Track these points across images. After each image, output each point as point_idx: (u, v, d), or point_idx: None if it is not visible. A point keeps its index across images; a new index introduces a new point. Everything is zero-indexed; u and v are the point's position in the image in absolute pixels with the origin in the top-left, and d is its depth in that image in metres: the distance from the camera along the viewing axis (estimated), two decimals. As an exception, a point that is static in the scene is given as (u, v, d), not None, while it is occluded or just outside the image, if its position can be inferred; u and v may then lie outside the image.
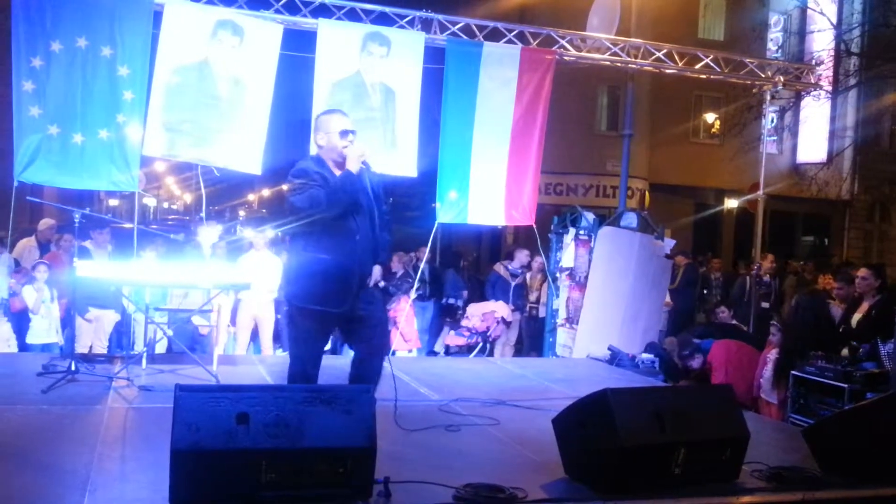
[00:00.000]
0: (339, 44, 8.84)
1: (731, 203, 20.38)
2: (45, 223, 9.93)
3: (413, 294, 10.01)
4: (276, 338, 9.41)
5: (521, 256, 11.24)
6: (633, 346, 8.85)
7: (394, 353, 9.47)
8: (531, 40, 9.79)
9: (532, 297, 11.21)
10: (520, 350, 11.18)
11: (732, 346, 8.23)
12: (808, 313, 8.06)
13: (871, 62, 17.35)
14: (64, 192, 13.83)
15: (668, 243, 10.08)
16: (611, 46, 10.06)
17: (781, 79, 10.98)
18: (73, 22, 7.92)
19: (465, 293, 11.81)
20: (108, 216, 14.70)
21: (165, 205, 56.22)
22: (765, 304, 11.45)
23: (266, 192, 51.59)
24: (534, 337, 11.12)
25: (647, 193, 19.57)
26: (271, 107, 8.68)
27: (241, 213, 47.65)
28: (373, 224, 4.76)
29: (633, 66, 10.40)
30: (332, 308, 4.58)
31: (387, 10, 9.15)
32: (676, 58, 10.35)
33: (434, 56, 9.34)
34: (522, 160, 9.60)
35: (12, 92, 7.81)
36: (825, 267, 13.73)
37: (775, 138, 20.57)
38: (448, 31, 9.33)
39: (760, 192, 11.53)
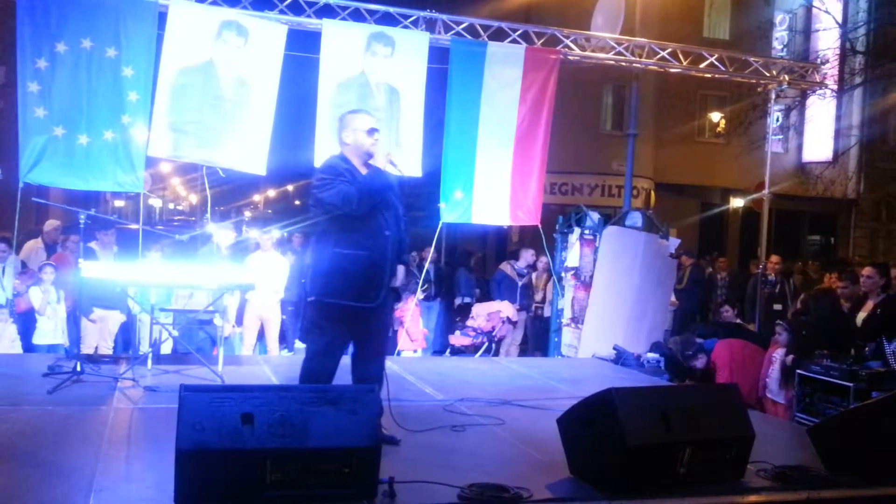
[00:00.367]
0: (343, 44, 8.85)
1: (737, 202, 20.34)
2: (51, 224, 9.95)
3: (419, 294, 10.01)
4: (282, 338, 9.42)
5: (527, 255, 11.24)
6: (639, 346, 8.83)
7: (399, 353, 9.48)
8: (535, 40, 9.78)
9: (537, 297, 11.20)
10: (525, 350, 11.17)
11: (736, 346, 8.22)
12: (825, 311, 8.00)
13: (876, 60, 17.31)
14: (69, 193, 13.90)
15: (674, 243, 10.07)
16: (615, 46, 10.05)
17: (786, 77, 10.96)
18: (78, 23, 7.94)
19: (478, 292, 11.82)
20: (113, 217, 14.73)
21: (171, 206, 56.31)
22: (777, 307, 11.38)
23: (272, 193, 51.71)
24: (539, 337, 11.12)
25: (652, 193, 19.54)
26: (276, 108, 8.69)
27: (247, 213, 47.72)
28: (398, 222, 4.78)
29: (638, 65, 10.40)
30: (365, 304, 4.58)
31: (391, 10, 9.15)
32: (681, 57, 10.33)
33: (438, 56, 9.34)
34: (527, 160, 9.60)
35: (17, 93, 7.84)
36: (831, 266, 13.66)
37: (781, 137, 20.51)
38: (452, 31, 9.34)
39: (766, 191, 11.51)
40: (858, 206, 22.08)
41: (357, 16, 9.02)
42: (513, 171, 9.56)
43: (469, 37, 9.43)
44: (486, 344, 10.32)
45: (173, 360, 7.05)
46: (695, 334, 8.80)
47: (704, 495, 4.00)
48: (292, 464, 3.45)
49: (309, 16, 8.82)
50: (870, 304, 7.16)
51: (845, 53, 17.56)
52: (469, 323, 10.51)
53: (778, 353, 7.63)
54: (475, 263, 15.04)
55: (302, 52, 9.05)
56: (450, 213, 9.41)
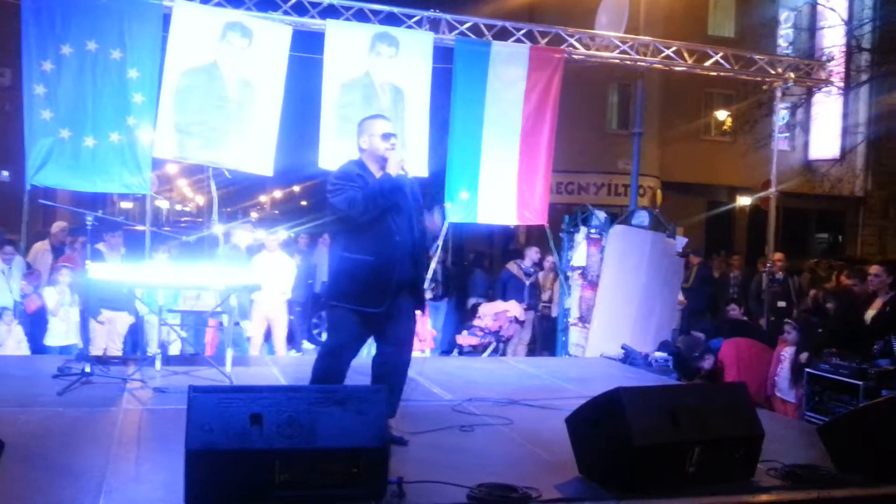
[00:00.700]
0: (347, 45, 8.85)
1: (744, 200, 20.26)
2: (58, 226, 9.97)
3: (427, 294, 10.00)
4: (290, 339, 9.42)
5: (532, 254, 11.20)
6: (646, 345, 8.82)
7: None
8: (540, 39, 9.78)
9: (544, 297, 11.18)
10: (532, 349, 11.16)
11: (743, 345, 8.20)
12: (846, 311, 7.94)
13: (882, 58, 17.23)
14: (77, 195, 13.93)
15: (680, 241, 10.06)
16: (620, 44, 10.04)
17: (792, 75, 10.94)
18: (83, 25, 7.97)
19: (490, 292, 11.81)
20: (120, 219, 14.73)
21: (178, 207, 56.36)
22: (781, 304, 11.36)
23: (278, 194, 51.71)
24: (546, 336, 11.10)
25: (658, 191, 19.48)
26: (282, 108, 8.70)
27: (254, 214, 47.72)
28: (412, 227, 4.75)
29: (643, 63, 10.38)
30: (368, 308, 4.57)
31: (395, 10, 9.16)
32: (686, 55, 10.32)
33: (443, 56, 9.35)
34: (533, 159, 9.60)
35: (23, 95, 7.86)
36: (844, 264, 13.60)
37: (787, 135, 20.45)
38: (456, 31, 9.34)
39: (773, 190, 11.48)
40: (866, 204, 21.98)
41: (361, 16, 9.03)
42: (519, 170, 9.56)
43: (473, 36, 9.43)
44: (494, 344, 10.31)
45: (182, 362, 7.06)
46: (699, 330, 8.78)
47: (714, 494, 3.99)
48: (301, 464, 3.45)
49: (312, 16, 8.83)
50: (879, 302, 7.14)
51: (851, 51, 17.49)
52: (476, 323, 10.49)
53: (787, 352, 7.61)
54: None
55: (306, 53, 9.06)
56: (456, 213, 9.40)
